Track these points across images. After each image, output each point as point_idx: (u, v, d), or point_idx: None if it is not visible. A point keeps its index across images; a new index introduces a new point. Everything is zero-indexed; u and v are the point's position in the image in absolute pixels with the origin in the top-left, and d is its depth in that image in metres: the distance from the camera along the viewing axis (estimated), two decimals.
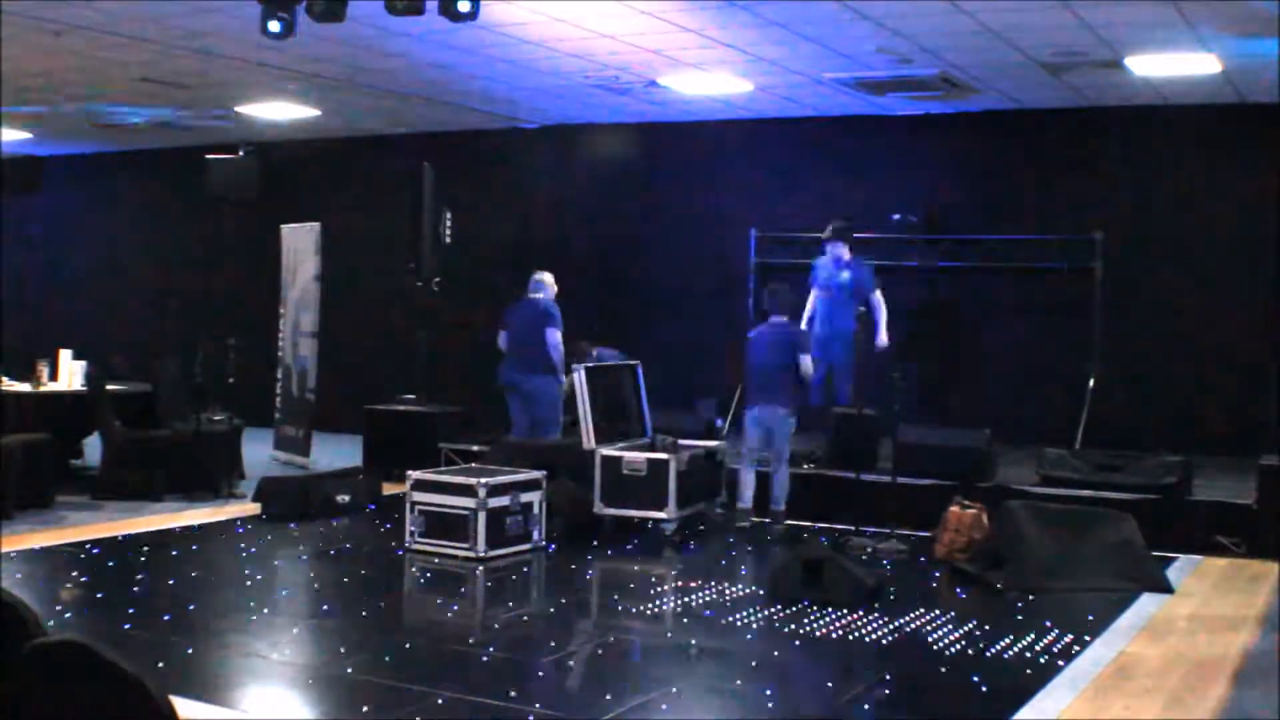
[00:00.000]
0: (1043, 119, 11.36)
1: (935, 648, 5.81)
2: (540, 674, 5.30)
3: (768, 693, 5.20)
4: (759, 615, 6.38)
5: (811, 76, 10.46)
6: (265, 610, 6.40)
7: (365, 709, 4.71)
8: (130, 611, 6.10)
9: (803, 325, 10.15)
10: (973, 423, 10.79)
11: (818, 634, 6.05)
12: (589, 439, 8.69)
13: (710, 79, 10.69)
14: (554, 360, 9.86)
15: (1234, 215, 10.79)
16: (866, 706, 4.97)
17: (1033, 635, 6.04)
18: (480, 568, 7.46)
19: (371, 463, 11.01)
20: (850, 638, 5.98)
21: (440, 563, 7.60)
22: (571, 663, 5.51)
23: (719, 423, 12.16)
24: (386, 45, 9.64)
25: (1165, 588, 7.13)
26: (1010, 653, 5.75)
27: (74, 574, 7.00)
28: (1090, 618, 6.39)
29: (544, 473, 8.17)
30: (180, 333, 13.93)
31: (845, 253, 10.55)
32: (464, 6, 7.23)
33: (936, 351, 11.45)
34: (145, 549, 7.80)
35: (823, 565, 6.63)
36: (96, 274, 16.14)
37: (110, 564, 7.28)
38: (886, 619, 6.32)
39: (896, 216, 11.43)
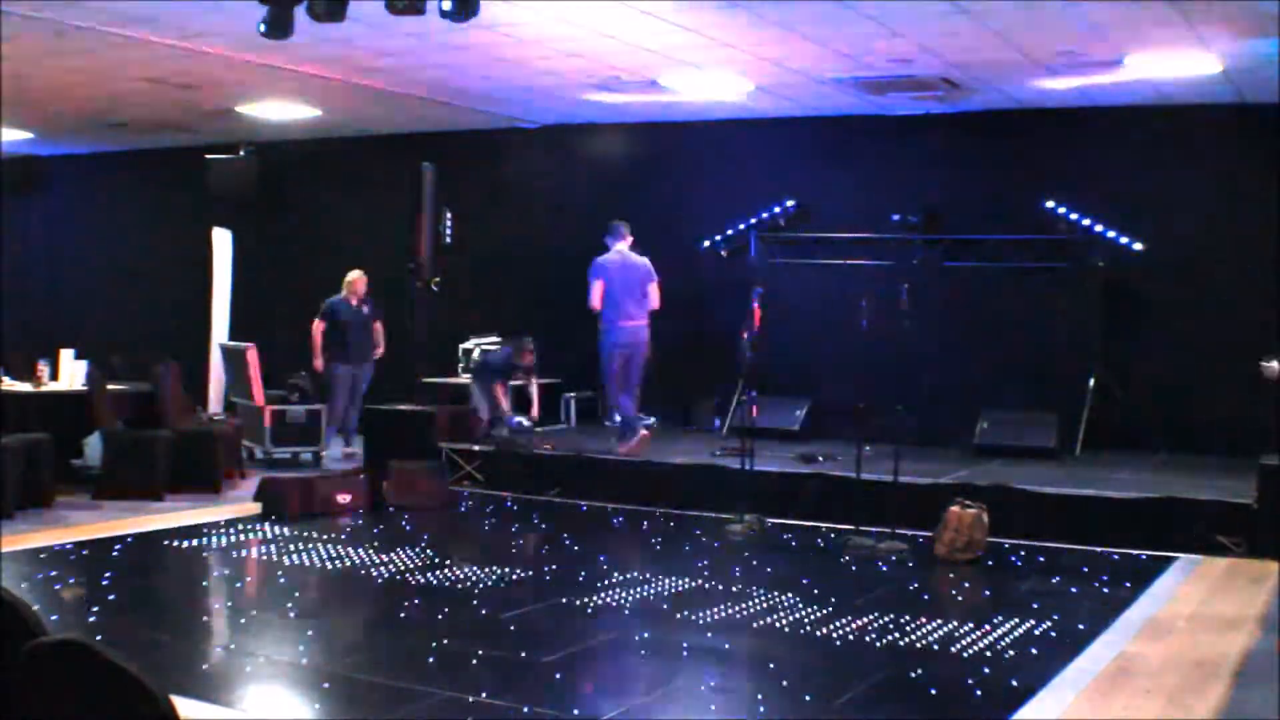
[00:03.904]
0: (1043, 119, 11.36)
1: (935, 647, 5.81)
2: (540, 674, 5.30)
3: (767, 693, 5.20)
4: (760, 614, 6.38)
5: (811, 76, 10.46)
6: (265, 610, 6.40)
7: (365, 709, 4.71)
8: (130, 611, 6.10)
9: None
10: (969, 423, 10.84)
11: (818, 634, 6.05)
12: None
13: (710, 79, 10.69)
14: None
15: (1234, 215, 10.79)
16: (866, 706, 4.97)
17: (1033, 635, 6.04)
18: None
19: (372, 463, 11.02)
20: (850, 638, 5.98)
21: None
22: (571, 663, 5.50)
23: (716, 423, 12.18)
24: (386, 45, 9.63)
25: None
26: (1010, 653, 5.75)
27: (74, 574, 7.00)
28: (1090, 618, 6.39)
29: None
30: (181, 333, 13.94)
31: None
32: (466, 6, 7.21)
33: (936, 352, 11.44)
34: (145, 549, 7.80)
35: None
36: (96, 274, 16.13)
37: (110, 564, 7.28)
38: (887, 619, 6.32)
39: (896, 217, 11.43)
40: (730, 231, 12.28)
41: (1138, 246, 10.78)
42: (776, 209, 12.22)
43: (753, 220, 12.27)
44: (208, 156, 13.76)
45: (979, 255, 11.51)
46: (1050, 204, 10.99)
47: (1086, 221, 10.91)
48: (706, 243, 12.36)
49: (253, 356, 11.72)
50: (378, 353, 12.30)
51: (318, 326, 12.00)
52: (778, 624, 6.22)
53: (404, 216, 11.79)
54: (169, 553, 7.75)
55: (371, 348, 12.27)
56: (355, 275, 12.19)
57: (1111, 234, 10.87)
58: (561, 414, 13.04)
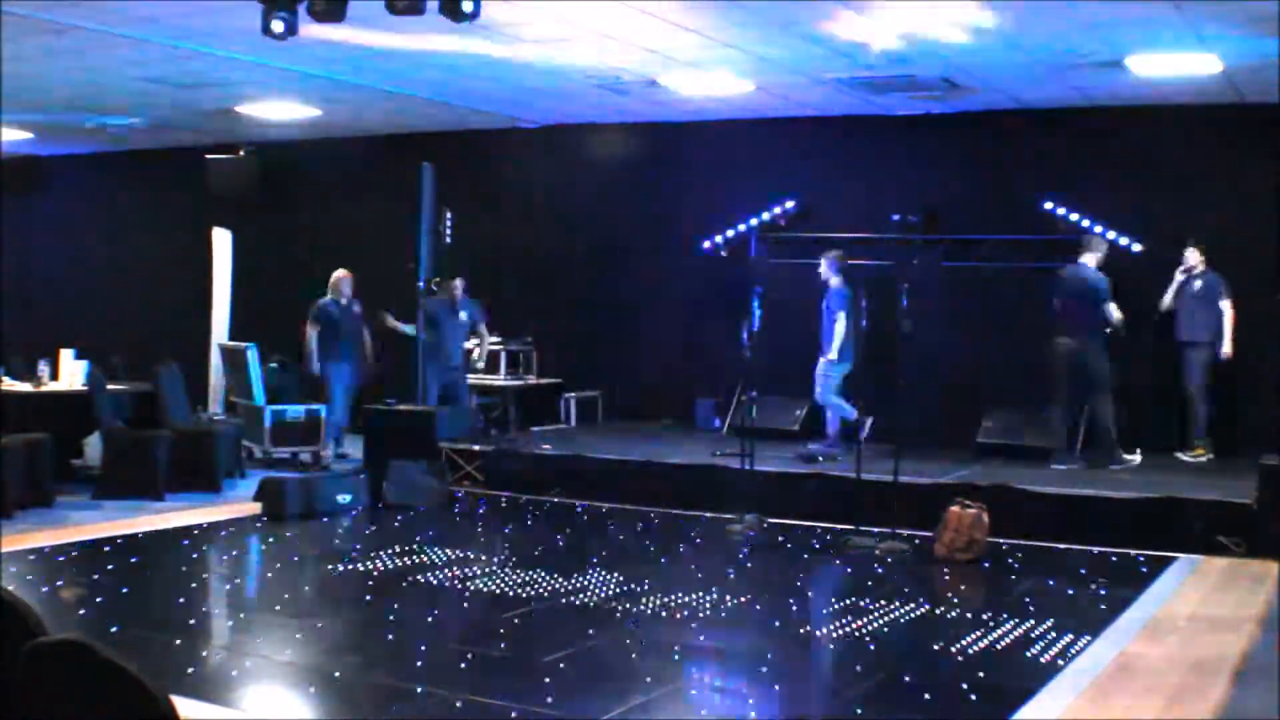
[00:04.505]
0: (1043, 119, 11.36)
1: (935, 647, 5.81)
2: (540, 674, 5.30)
3: (768, 693, 5.20)
4: (760, 614, 6.38)
5: (811, 76, 10.46)
6: (265, 610, 6.41)
7: (365, 709, 4.71)
8: (130, 611, 6.10)
9: None
10: (972, 422, 10.83)
11: (818, 634, 6.05)
12: None
13: (710, 79, 10.69)
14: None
15: (1234, 215, 10.78)
16: (866, 706, 4.97)
17: (1033, 635, 6.04)
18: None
19: (371, 463, 11.02)
20: (850, 638, 5.98)
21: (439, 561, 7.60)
22: (571, 663, 5.50)
23: (715, 422, 12.18)
24: (386, 45, 9.63)
25: None
26: (1010, 653, 5.75)
27: (74, 574, 7.00)
28: (1090, 618, 6.39)
29: None
30: (181, 333, 13.94)
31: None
32: (467, 6, 7.20)
33: (936, 352, 11.44)
34: (145, 549, 7.80)
35: None
36: (96, 274, 16.13)
37: (110, 564, 7.28)
38: (887, 618, 6.32)
39: (896, 217, 11.41)
40: (730, 232, 12.28)
41: (1137, 247, 10.78)
42: (776, 209, 12.20)
43: (753, 220, 12.26)
44: (208, 156, 13.75)
45: (979, 255, 11.51)
46: (1049, 205, 10.99)
47: (1086, 222, 10.91)
48: (706, 243, 12.34)
49: (253, 356, 11.72)
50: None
51: (310, 329, 11.89)
52: (778, 624, 6.22)
53: (404, 216, 11.79)
54: (169, 553, 7.74)
55: (364, 346, 12.21)
56: (340, 274, 12.09)
57: (1112, 234, 10.86)
58: (562, 414, 13.05)
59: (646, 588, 6.98)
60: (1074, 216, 10.96)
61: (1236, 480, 8.69)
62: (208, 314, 13.43)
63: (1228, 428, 10.47)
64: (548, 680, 5.18)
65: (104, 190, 16.33)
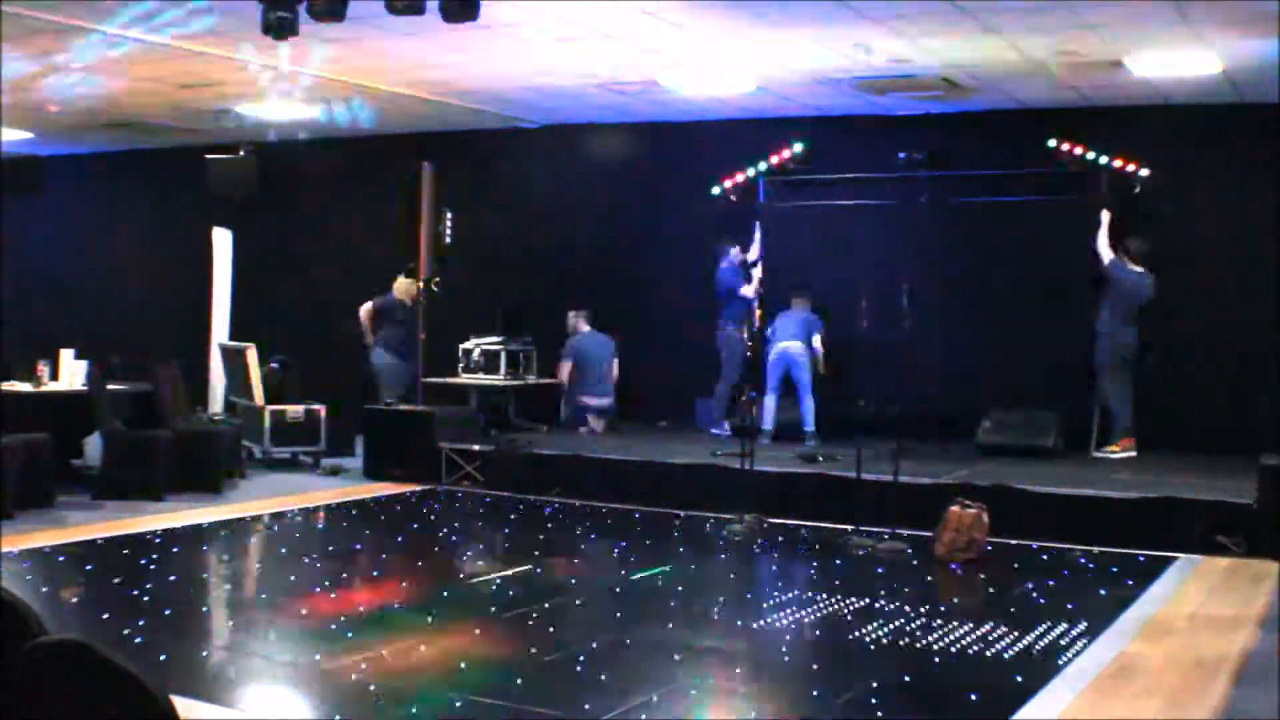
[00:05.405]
0: (1043, 119, 11.35)
1: (935, 648, 5.81)
2: (540, 674, 5.30)
3: (767, 693, 5.20)
4: (760, 614, 6.38)
5: (811, 76, 10.46)
6: (265, 610, 6.40)
7: (365, 709, 4.71)
8: (130, 611, 6.10)
9: None
10: (974, 414, 10.78)
11: (818, 634, 6.05)
12: None
13: (710, 79, 10.69)
14: None
15: (1234, 215, 10.78)
16: (866, 707, 4.97)
17: (1033, 635, 6.04)
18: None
19: (371, 463, 11.03)
20: (850, 638, 5.98)
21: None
22: (572, 663, 5.50)
23: (722, 425, 12.16)
24: (388, 45, 9.63)
25: None
26: (1010, 653, 5.75)
27: (74, 574, 7.00)
28: (1090, 618, 6.39)
29: None
30: (181, 333, 13.94)
31: None
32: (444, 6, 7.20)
33: (936, 353, 11.42)
34: (145, 549, 7.79)
35: None
36: (96, 274, 16.12)
37: (110, 564, 7.28)
38: (886, 619, 6.32)
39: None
40: (741, 176, 11.91)
41: (1144, 172, 10.43)
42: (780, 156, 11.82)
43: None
44: (208, 156, 13.74)
45: (979, 255, 11.50)
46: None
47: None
48: (715, 189, 11.96)
49: (252, 356, 11.71)
50: None
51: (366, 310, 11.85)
52: (778, 624, 6.22)
53: (404, 216, 11.78)
54: (169, 553, 7.74)
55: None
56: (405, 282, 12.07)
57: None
58: (562, 414, 13.03)
59: (646, 588, 6.98)
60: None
61: (1236, 480, 8.69)
62: (208, 314, 13.42)
63: (1230, 428, 10.45)
64: (548, 680, 5.18)
65: (104, 190, 16.33)
